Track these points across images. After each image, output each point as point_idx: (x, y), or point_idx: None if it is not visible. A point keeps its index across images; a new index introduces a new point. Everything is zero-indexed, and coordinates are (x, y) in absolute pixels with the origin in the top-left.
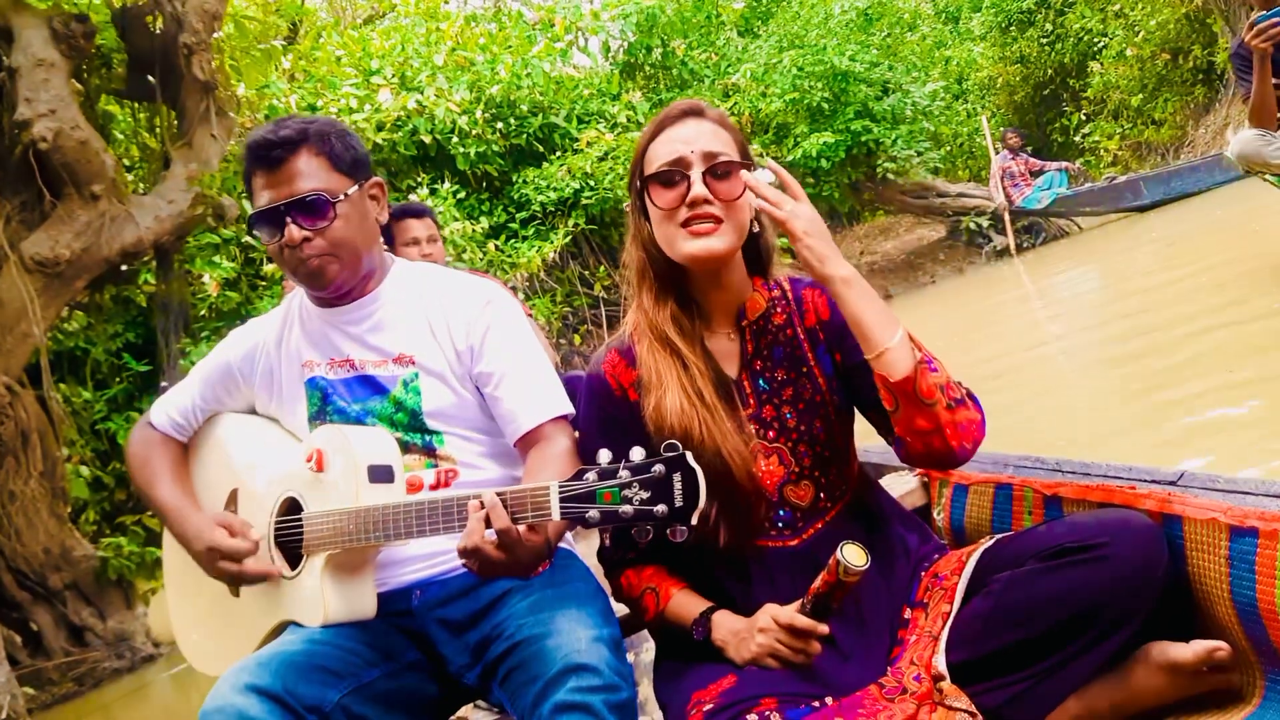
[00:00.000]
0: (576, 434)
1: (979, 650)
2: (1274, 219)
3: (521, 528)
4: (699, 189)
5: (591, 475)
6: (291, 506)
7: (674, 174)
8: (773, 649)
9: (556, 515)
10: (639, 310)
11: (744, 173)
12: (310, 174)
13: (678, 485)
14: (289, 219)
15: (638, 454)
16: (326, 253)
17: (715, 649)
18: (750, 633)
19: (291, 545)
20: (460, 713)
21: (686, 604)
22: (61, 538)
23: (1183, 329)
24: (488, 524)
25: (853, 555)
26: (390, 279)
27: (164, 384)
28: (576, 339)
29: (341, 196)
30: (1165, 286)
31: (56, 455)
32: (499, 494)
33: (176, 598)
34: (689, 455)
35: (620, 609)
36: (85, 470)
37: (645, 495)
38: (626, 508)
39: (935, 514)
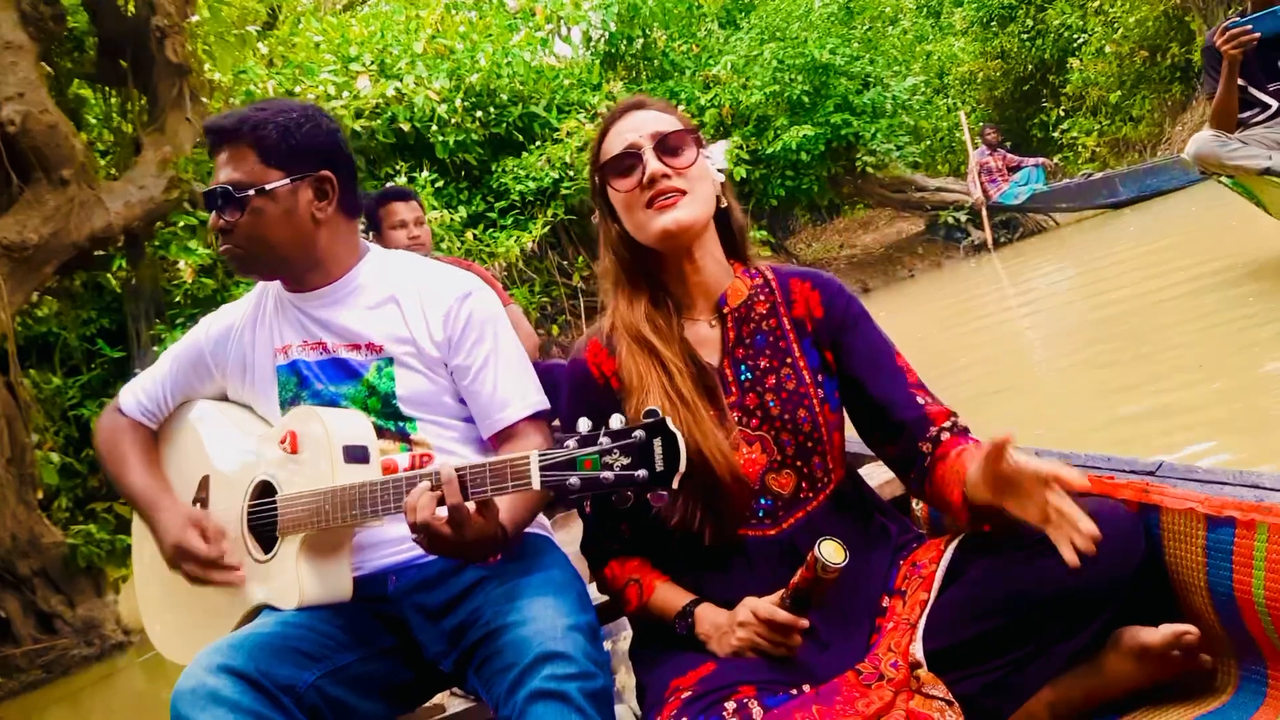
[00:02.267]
0: (556, 422)
1: (956, 638)
2: (1248, 218)
3: (471, 506)
4: (654, 165)
5: (571, 443)
6: (265, 490)
7: (627, 159)
8: (753, 642)
9: (537, 484)
10: (613, 314)
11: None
12: (235, 164)
13: (658, 450)
14: (210, 207)
15: (617, 421)
16: (238, 244)
17: (698, 642)
18: (731, 626)
19: (265, 528)
20: (435, 699)
21: (669, 597)
22: (30, 524)
23: (1155, 325)
24: (441, 501)
25: (830, 552)
26: (366, 264)
27: (136, 370)
28: (554, 329)
29: (253, 191)
30: (1139, 283)
31: (25, 442)
32: (480, 464)
33: (145, 584)
34: (669, 420)
35: (597, 596)
36: (55, 457)
37: (626, 461)
38: (607, 474)
39: (914, 504)
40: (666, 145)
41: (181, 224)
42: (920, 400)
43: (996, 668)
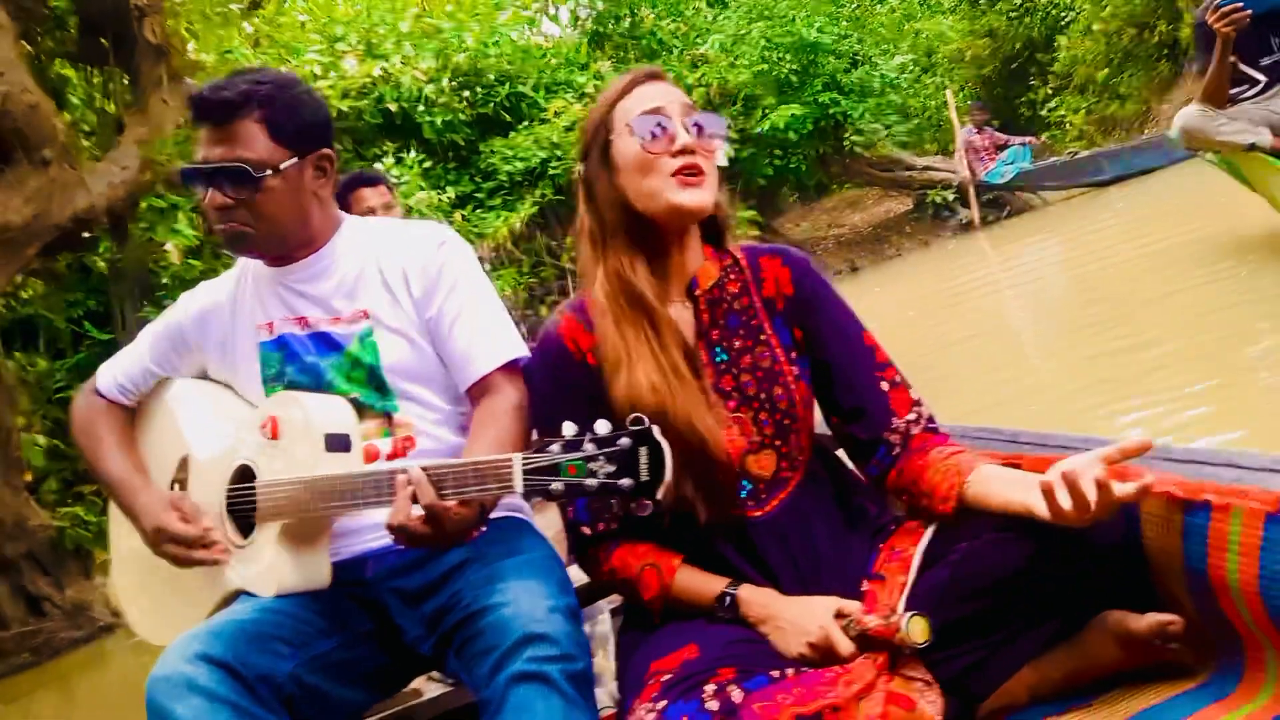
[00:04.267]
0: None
1: (935, 620)
2: (1232, 195)
3: (453, 503)
4: (688, 137)
5: (555, 447)
6: (244, 474)
7: (661, 121)
8: (813, 658)
9: (520, 487)
10: (605, 276)
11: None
12: (244, 141)
13: (643, 459)
14: (213, 183)
15: (603, 426)
16: (246, 223)
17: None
18: (804, 630)
19: (244, 514)
20: (414, 684)
21: (695, 581)
22: (17, 507)
23: (1140, 303)
24: (415, 499)
25: (917, 631)
26: (340, 235)
27: None
28: (543, 310)
29: (269, 171)
30: (1124, 262)
31: (10, 425)
32: (462, 465)
33: (122, 568)
34: (655, 429)
35: (577, 579)
36: (42, 440)
37: (610, 469)
38: (591, 480)
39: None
40: (697, 122)
41: (145, 205)
42: (884, 385)
43: (977, 649)
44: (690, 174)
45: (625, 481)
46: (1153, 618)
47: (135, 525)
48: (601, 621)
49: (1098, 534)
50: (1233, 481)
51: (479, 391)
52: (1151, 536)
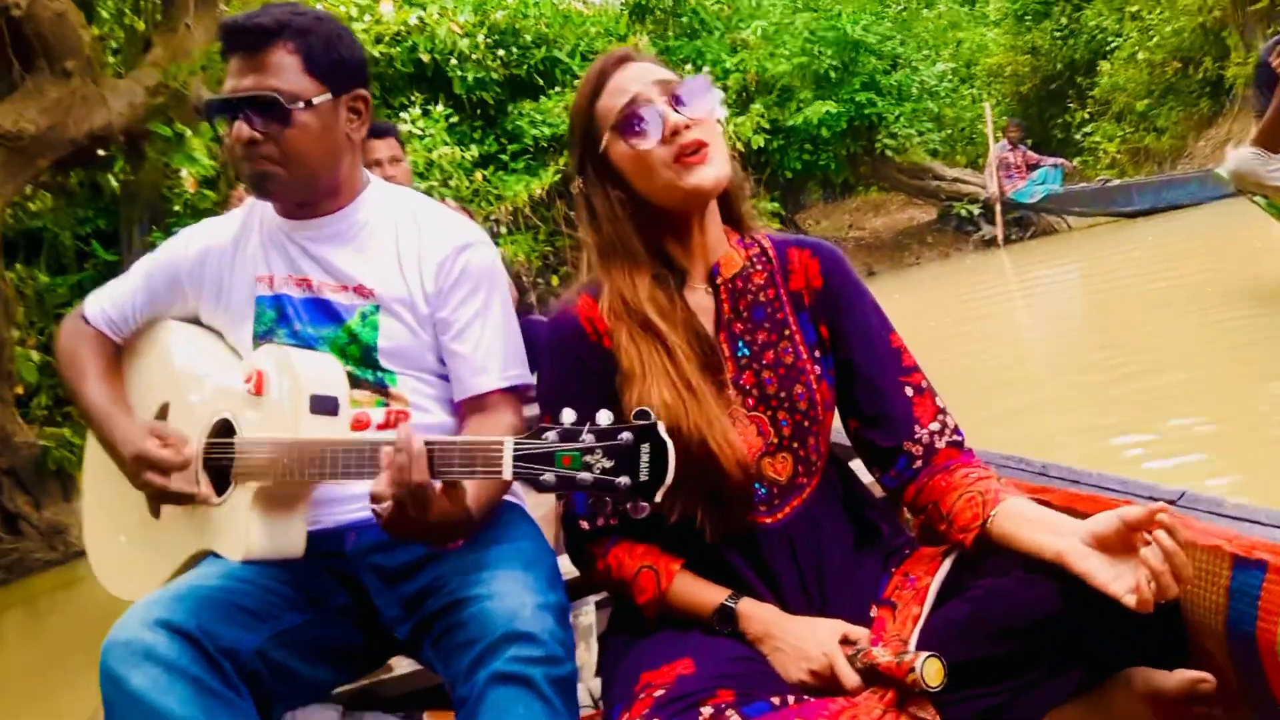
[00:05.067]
0: (535, 384)
1: (951, 659)
2: (1266, 238)
3: (438, 486)
4: (675, 116)
5: (552, 435)
6: (225, 428)
7: (639, 113)
8: (814, 683)
9: (508, 473)
10: (612, 295)
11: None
12: (277, 71)
13: (644, 457)
14: (241, 115)
15: (605, 417)
16: (274, 160)
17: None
18: (805, 657)
19: (221, 470)
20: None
21: (695, 590)
22: (4, 421)
23: (1159, 339)
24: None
25: (931, 674)
26: (365, 199)
27: None
28: (555, 280)
29: (303, 104)
30: (1146, 295)
31: (5, 337)
32: (450, 442)
33: (93, 509)
34: (660, 425)
35: (568, 572)
36: (36, 355)
37: (608, 464)
38: (585, 475)
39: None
40: (680, 94)
41: (154, 129)
42: (909, 390)
43: (993, 694)
44: (692, 152)
45: (623, 480)
46: (1183, 675)
47: (114, 456)
48: (586, 613)
49: None
50: None
51: (474, 406)
52: (1192, 590)
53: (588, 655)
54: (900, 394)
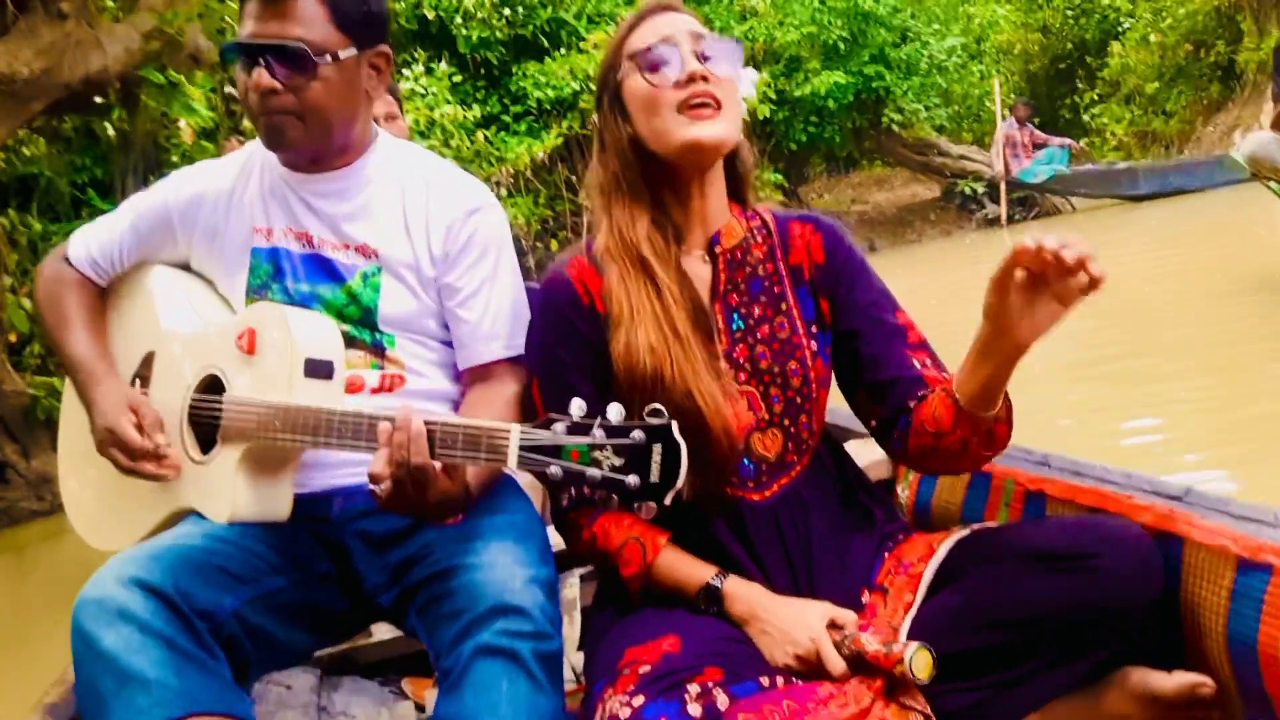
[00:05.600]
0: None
1: (943, 648)
2: (1269, 228)
3: (437, 466)
4: (694, 64)
5: (560, 426)
6: (213, 385)
7: (662, 52)
8: (801, 668)
9: (513, 464)
10: (609, 232)
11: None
12: (304, 20)
13: (656, 458)
14: (262, 62)
15: (616, 412)
16: (293, 112)
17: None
18: (791, 641)
19: (206, 427)
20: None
21: (681, 565)
22: None
23: (1162, 327)
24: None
25: (920, 666)
26: (373, 155)
27: None
28: (554, 244)
29: (328, 57)
30: (1147, 279)
31: None
32: (453, 424)
33: (70, 456)
34: (675, 426)
35: (556, 544)
36: (28, 303)
37: (618, 462)
38: (594, 471)
39: (899, 489)
40: (707, 49)
41: (145, 76)
42: (916, 364)
43: (984, 686)
44: (700, 104)
45: (632, 479)
46: (1182, 678)
47: (88, 417)
48: (570, 586)
49: (1133, 579)
50: None
51: (478, 375)
52: (1194, 590)
53: (571, 629)
54: (908, 364)
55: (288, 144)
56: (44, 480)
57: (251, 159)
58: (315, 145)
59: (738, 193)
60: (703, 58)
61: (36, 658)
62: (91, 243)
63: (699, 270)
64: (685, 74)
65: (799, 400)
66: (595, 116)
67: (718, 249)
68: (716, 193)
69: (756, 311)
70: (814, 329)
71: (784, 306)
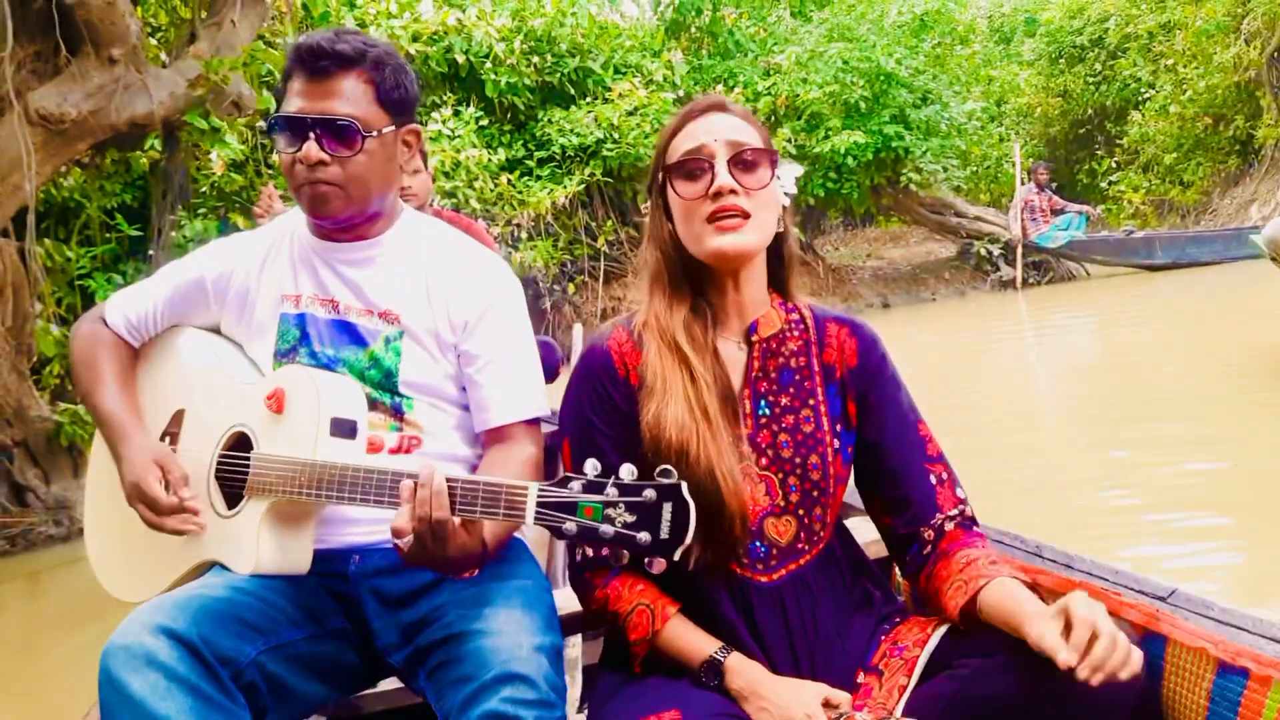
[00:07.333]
0: (551, 413)
1: None
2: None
3: (457, 521)
4: (724, 179)
5: (576, 485)
6: (240, 442)
7: (698, 163)
8: None
9: (530, 520)
10: (650, 314)
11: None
12: (350, 98)
13: (666, 515)
14: (313, 135)
15: (628, 472)
16: (338, 184)
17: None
18: (782, 718)
19: (232, 483)
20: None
21: (687, 636)
22: (19, 395)
23: (1163, 398)
24: (427, 509)
25: None
26: (397, 228)
27: (150, 252)
28: (571, 288)
29: (375, 133)
30: (1160, 350)
31: (28, 311)
32: (473, 481)
33: (96, 508)
34: (684, 486)
35: (565, 607)
36: (56, 331)
37: (630, 519)
38: (607, 527)
39: (896, 570)
40: (742, 160)
41: (190, 120)
42: (933, 479)
43: None
44: (725, 217)
45: (643, 536)
46: None
47: (117, 468)
48: (573, 645)
49: (1119, 680)
50: (1276, 657)
51: (495, 437)
52: (1174, 688)
53: (572, 689)
54: (925, 481)
55: (330, 213)
56: (62, 505)
57: (283, 230)
58: (353, 214)
59: (779, 282)
60: (739, 167)
61: (47, 685)
62: (129, 309)
63: (734, 354)
64: (717, 187)
65: (815, 493)
66: (648, 200)
67: (754, 337)
68: (755, 286)
69: (784, 401)
70: (839, 427)
71: (812, 401)
